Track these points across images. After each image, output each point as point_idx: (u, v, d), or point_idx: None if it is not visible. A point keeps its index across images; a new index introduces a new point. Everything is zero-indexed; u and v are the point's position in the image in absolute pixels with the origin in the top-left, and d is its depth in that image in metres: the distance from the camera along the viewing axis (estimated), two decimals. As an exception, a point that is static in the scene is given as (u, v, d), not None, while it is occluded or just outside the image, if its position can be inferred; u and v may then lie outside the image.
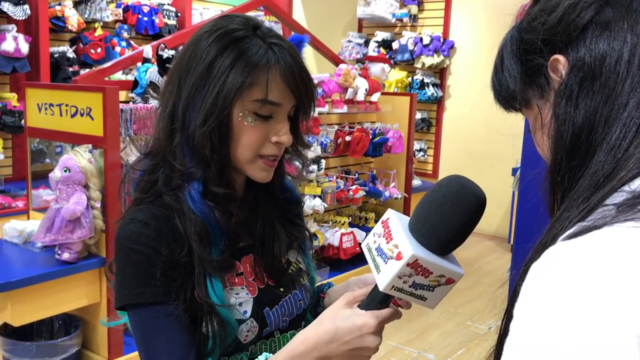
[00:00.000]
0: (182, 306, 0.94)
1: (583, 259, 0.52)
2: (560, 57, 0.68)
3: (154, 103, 3.01)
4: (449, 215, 0.76)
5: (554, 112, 0.69)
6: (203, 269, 0.96)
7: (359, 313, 0.83)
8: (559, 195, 0.69)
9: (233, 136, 0.96)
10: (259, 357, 0.95)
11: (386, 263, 0.76)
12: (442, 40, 6.46)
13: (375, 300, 0.82)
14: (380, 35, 6.74)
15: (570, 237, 0.57)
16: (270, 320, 1.03)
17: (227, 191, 1.00)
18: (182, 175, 0.98)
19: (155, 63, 3.09)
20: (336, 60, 4.67)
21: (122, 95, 3.05)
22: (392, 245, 0.76)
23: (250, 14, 5.07)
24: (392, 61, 6.35)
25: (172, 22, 5.53)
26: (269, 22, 5.09)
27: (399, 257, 0.74)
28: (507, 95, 0.75)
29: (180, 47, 4.17)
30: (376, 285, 0.81)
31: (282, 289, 1.06)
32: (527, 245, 0.64)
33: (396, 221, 0.79)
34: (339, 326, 0.82)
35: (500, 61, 0.76)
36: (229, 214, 1.00)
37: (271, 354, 0.94)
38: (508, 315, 0.60)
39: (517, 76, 0.73)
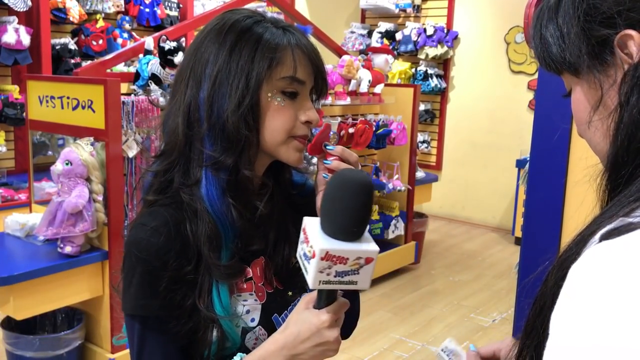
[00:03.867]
0: (184, 319, 0.94)
1: (626, 264, 0.49)
2: (635, 34, 0.60)
3: (155, 95, 2.98)
4: (342, 204, 0.83)
5: (620, 103, 0.61)
6: (210, 275, 0.95)
7: (313, 312, 0.89)
8: (611, 194, 0.64)
9: (264, 118, 0.97)
10: (234, 358, 0.97)
11: (309, 263, 0.84)
12: (445, 31, 6.42)
13: (322, 298, 0.90)
14: (384, 26, 6.70)
15: (610, 233, 0.53)
16: (279, 327, 1.02)
17: (258, 175, 1.01)
18: (206, 166, 0.96)
19: (157, 55, 3.06)
20: (339, 52, 4.64)
21: (124, 87, 3.03)
22: (309, 246, 0.84)
23: (253, 5, 5.04)
24: (395, 52, 6.30)
25: (174, 13, 5.51)
26: (271, 12, 5.05)
27: (313, 255, 0.82)
28: (557, 59, 0.66)
29: (183, 39, 4.14)
30: None
31: (290, 293, 1.06)
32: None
33: (310, 225, 0.87)
34: (300, 327, 0.90)
35: (551, 19, 0.66)
36: (252, 208, 0.99)
37: (245, 354, 0.97)
38: (542, 320, 0.56)
39: (580, 45, 0.64)
